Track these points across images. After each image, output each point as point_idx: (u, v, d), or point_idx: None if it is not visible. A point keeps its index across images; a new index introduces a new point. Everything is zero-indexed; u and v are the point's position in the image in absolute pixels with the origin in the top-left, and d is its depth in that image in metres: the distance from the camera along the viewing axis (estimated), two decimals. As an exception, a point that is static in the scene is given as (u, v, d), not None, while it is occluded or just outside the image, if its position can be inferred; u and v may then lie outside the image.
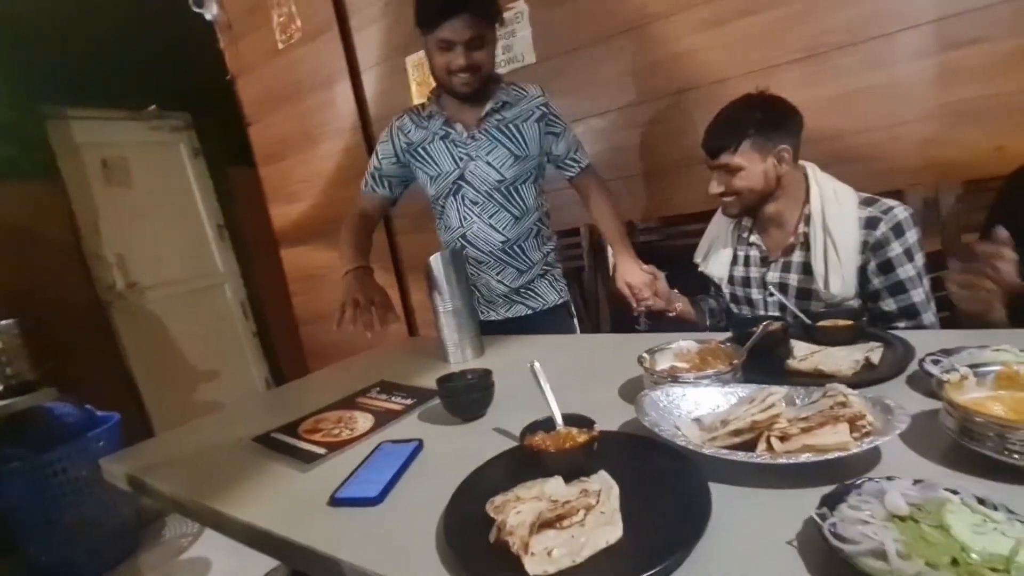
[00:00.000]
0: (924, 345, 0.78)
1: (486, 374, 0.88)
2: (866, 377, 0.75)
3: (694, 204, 1.85)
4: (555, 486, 0.57)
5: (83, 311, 2.83)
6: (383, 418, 0.93)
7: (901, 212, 1.04)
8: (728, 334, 0.96)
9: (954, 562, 0.38)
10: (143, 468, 0.89)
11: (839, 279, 1.05)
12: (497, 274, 1.41)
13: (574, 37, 1.96)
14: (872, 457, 0.56)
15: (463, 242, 1.39)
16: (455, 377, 0.91)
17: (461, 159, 1.32)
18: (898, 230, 1.04)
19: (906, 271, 1.03)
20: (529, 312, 1.44)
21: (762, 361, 0.84)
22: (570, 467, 0.60)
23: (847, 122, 1.55)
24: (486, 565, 0.49)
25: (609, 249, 1.44)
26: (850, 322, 0.87)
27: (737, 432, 0.58)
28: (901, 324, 1.06)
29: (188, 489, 0.80)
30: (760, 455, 0.55)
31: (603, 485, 0.57)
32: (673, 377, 0.77)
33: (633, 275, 1.27)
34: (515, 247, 1.39)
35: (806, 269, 1.12)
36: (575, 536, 0.50)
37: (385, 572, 0.53)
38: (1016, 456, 0.49)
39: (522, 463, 0.64)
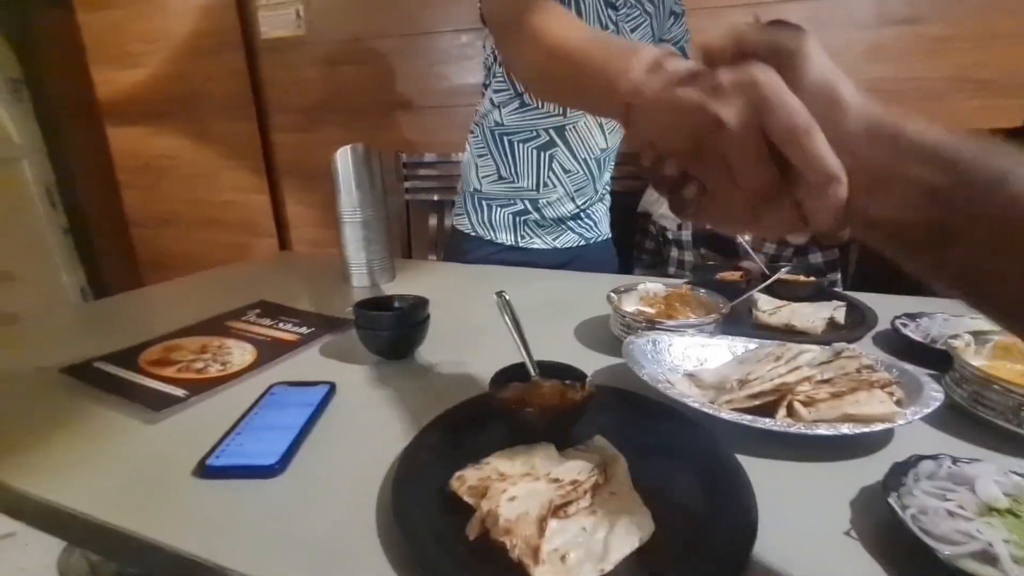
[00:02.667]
0: (881, 307, 0.77)
1: (420, 303, 0.69)
2: (835, 336, 0.71)
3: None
4: (548, 457, 0.43)
5: None
6: (270, 350, 0.70)
7: None
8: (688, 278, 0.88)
9: (1071, 566, 0.31)
10: None
11: None
12: (576, 191, 1.08)
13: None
14: (888, 429, 0.50)
15: (557, 137, 1.01)
16: (379, 303, 0.70)
17: (606, 24, 0.93)
18: None
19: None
20: (581, 244, 1.14)
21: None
22: (560, 432, 0.46)
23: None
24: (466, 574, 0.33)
25: None
26: (812, 278, 0.84)
27: (760, 394, 0.49)
28: (825, 278, 1.10)
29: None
30: (792, 424, 0.46)
31: (605, 456, 0.44)
32: (649, 322, 0.66)
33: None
34: (605, 159, 1.09)
35: None
36: (587, 529, 0.36)
37: (302, 588, 0.34)
38: (1026, 429, 0.46)
39: (487, 422, 0.49)
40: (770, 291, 0.84)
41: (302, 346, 0.72)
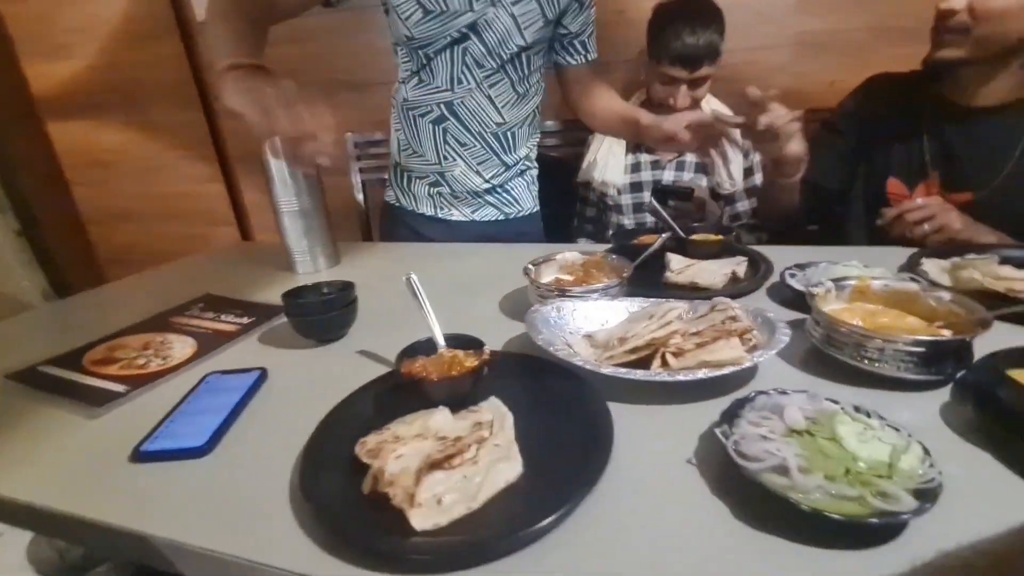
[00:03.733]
0: (776, 260, 0.84)
1: (347, 287, 0.74)
2: (734, 290, 0.78)
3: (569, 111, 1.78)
4: (441, 419, 0.49)
5: None
6: (210, 342, 0.74)
7: None
8: (609, 245, 0.94)
9: (847, 472, 0.38)
10: None
11: (737, 169, 1.14)
12: (478, 164, 1.12)
13: None
14: (750, 370, 0.57)
15: (447, 111, 1.06)
16: (307, 291, 0.74)
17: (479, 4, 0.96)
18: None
19: (759, 178, 1.17)
20: (501, 218, 1.19)
21: (641, 274, 0.83)
22: (457, 396, 0.52)
23: (715, 40, 1.57)
24: (359, 524, 0.39)
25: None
26: (720, 236, 0.90)
27: (635, 350, 0.55)
28: (749, 222, 1.22)
29: None
30: (658, 372, 0.53)
31: (496, 414, 0.50)
32: (561, 291, 0.72)
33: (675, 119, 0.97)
34: (508, 133, 1.11)
35: (699, 168, 1.18)
36: (468, 477, 0.43)
37: (217, 547, 0.40)
38: (867, 362, 0.54)
39: (396, 394, 0.54)
40: (684, 251, 0.90)
41: (241, 336, 0.76)
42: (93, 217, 2.67)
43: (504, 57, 1.02)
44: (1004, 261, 0.72)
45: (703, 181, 1.18)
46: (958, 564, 0.22)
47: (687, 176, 1.21)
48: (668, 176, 1.23)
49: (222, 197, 2.39)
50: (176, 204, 2.48)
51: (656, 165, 1.24)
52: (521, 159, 1.17)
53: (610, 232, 1.34)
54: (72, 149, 2.54)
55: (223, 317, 0.83)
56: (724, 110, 1.20)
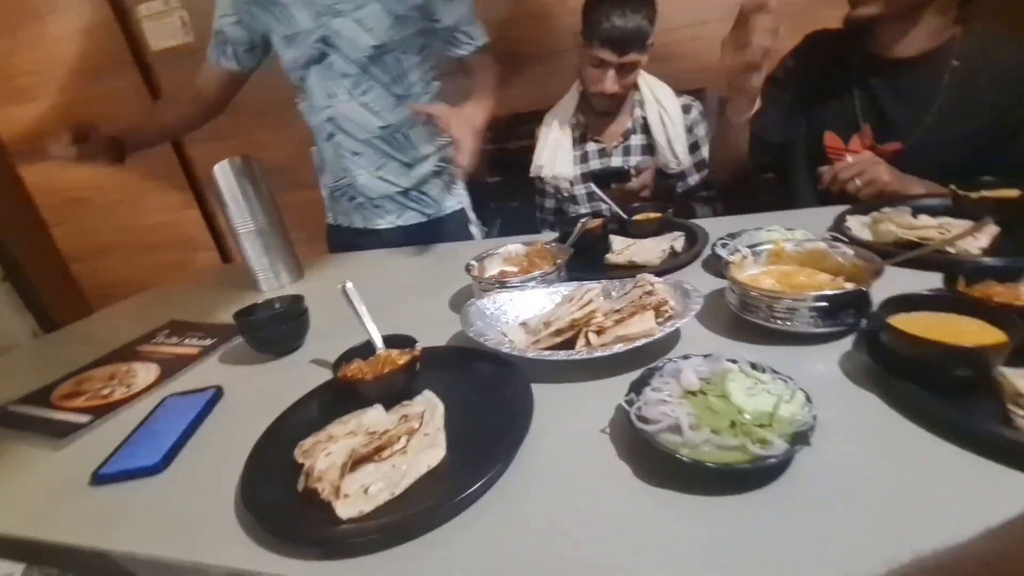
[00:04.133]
0: (715, 231, 0.87)
1: (296, 300, 0.77)
2: (670, 264, 0.81)
3: (522, 105, 1.80)
4: (374, 416, 0.52)
5: None
6: (172, 366, 0.77)
7: (699, 105, 1.23)
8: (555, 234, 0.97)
9: (732, 424, 0.42)
10: None
11: (681, 147, 1.19)
12: (377, 169, 1.15)
13: None
14: (674, 338, 0.60)
15: (332, 126, 1.13)
16: (259, 308, 0.77)
17: (322, 13, 1.02)
18: (703, 116, 1.22)
19: (706, 151, 1.19)
20: (423, 219, 1.22)
21: (585, 259, 0.86)
22: (392, 393, 0.55)
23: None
24: (292, 521, 0.42)
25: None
26: (659, 215, 0.93)
27: (558, 332, 0.58)
28: (701, 194, 1.24)
29: None
30: (578, 352, 0.56)
31: (427, 406, 0.53)
32: (500, 283, 0.75)
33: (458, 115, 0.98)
34: (398, 135, 1.13)
35: (645, 150, 1.21)
36: (396, 466, 0.46)
37: (170, 553, 0.43)
38: (779, 322, 0.57)
39: (338, 398, 0.57)
40: (626, 232, 0.93)
41: (202, 357, 0.80)
42: (74, 255, 2.69)
43: (363, 61, 1.05)
44: (920, 211, 0.76)
45: (650, 162, 1.21)
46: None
47: (634, 159, 1.24)
48: (616, 161, 1.25)
49: (198, 223, 2.42)
50: (155, 234, 2.51)
51: (603, 153, 1.27)
52: (425, 158, 1.18)
53: None
54: (46, 190, 2.56)
55: (186, 341, 0.86)
56: (666, 90, 1.23)
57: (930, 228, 0.71)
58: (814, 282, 0.61)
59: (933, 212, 0.75)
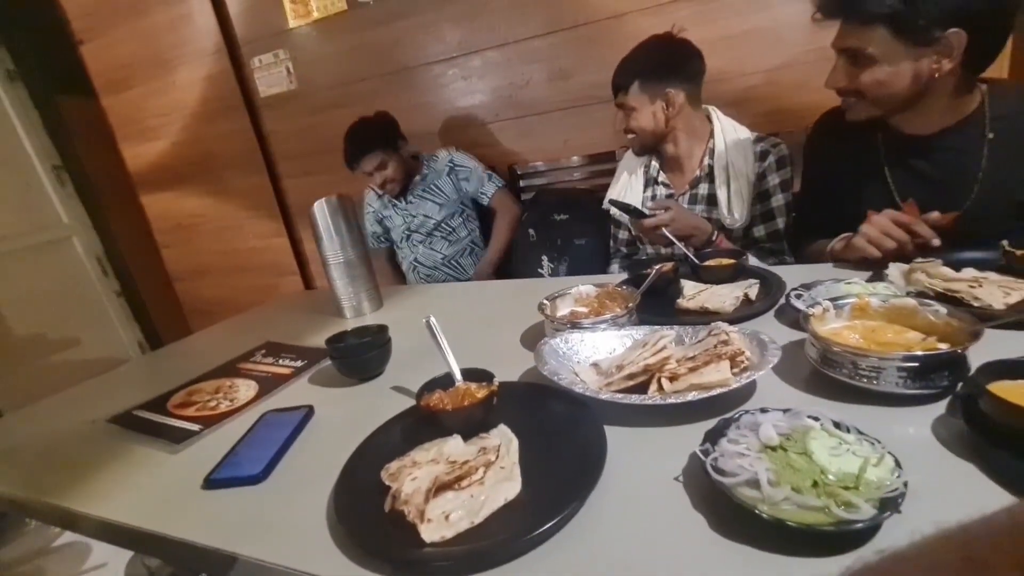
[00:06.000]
0: (790, 280, 0.85)
1: (381, 330, 0.83)
2: (744, 312, 0.80)
3: (589, 146, 1.85)
4: (453, 446, 0.55)
5: None
6: (269, 384, 0.85)
7: (784, 148, 1.19)
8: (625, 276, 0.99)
9: (815, 484, 0.41)
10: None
11: (741, 204, 1.17)
12: (443, 280, 1.87)
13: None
14: (749, 389, 0.60)
15: (417, 264, 1.89)
16: (348, 335, 0.84)
17: (406, 218, 1.85)
18: (780, 163, 1.19)
19: (777, 200, 1.18)
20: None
21: (656, 302, 0.87)
22: (469, 424, 0.58)
23: (732, 64, 1.60)
24: (381, 538, 0.46)
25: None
26: (732, 260, 0.93)
27: (631, 376, 0.60)
28: (765, 245, 1.21)
29: (26, 485, 0.68)
30: (651, 397, 0.57)
31: (503, 439, 0.56)
32: (572, 323, 0.77)
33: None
34: (453, 261, 1.87)
35: (710, 200, 1.21)
36: (474, 496, 0.49)
37: (268, 558, 0.48)
38: (864, 380, 0.55)
39: (419, 424, 0.61)
40: (698, 277, 0.93)
41: (295, 378, 0.87)
42: (178, 275, 2.99)
43: (429, 230, 1.84)
44: (966, 264, 0.76)
45: (670, 202, 1.20)
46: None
47: (698, 208, 1.23)
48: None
49: (286, 250, 2.63)
50: (247, 258, 2.75)
51: (671, 198, 1.28)
52: (468, 269, 1.89)
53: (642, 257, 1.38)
54: (160, 216, 2.89)
55: (280, 361, 0.94)
56: (741, 138, 1.22)
57: (962, 281, 0.70)
58: (903, 340, 0.59)
59: (980, 267, 0.75)
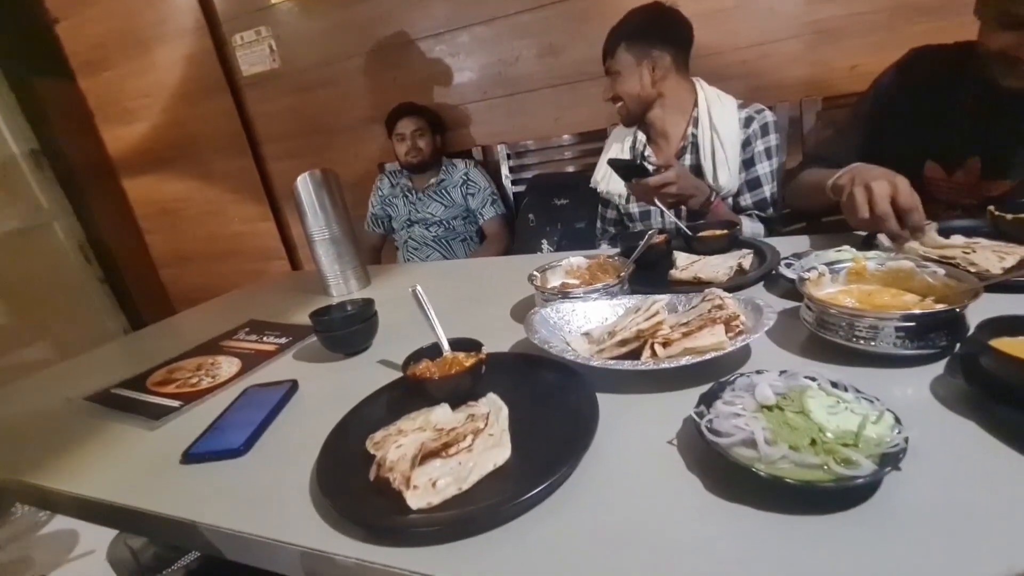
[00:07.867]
0: (783, 250, 0.84)
1: (367, 304, 0.80)
2: (738, 282, 0.79)
3: (580, 124, 1.82)
4: (441, 414, 0.53)
5: None
6: (252, 361, 0.83)
7: (769, 115, 1.19)
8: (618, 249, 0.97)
9: (813, 442, 0.40)
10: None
11: (726, 172, 1.16)
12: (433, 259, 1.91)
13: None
14: (744, 354, 0.59)
15: (410, 240, 1.94)
16: (332, 309, 0.82)
17: (411, 212, 1.92)
18: (764, 130, 1.18)
19: (763, 168, 1.18)
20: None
21: (648, 273, 0.85)
22: (457, 393, 0.56)
23: (724, 38, 1.57)
24: (365, 507, 0.44)
25: None
26: (725, 231, 0.91)
27: (624, 342, 0.58)
28: (753, 213, 1.20)
29: (0, 465, 0.65)
30: (644, 362, 0.55)
31: (492, 407, 0.54)
32: (563, 293, 0.75)
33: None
34: (445, 241, 1.93)
35: (696, 172, 1.19)
36: (462, 463, 0.47)
37: (250, 529, 0.46)
38: (861, 341, 0.54)
39: (406, 395, 0.60)
40: (691, 249, 0.91)
41: (279, 354, 0.85)
42: (163, 261, 2.94)
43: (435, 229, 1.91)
44: (954, 231, 0.76)
45: (675, 161, 1.18)
46: None
47: None
48: None
49: (273, 234, 2.58)
50: (233, 243, 2.70)
51: (656, 172, 1.26)
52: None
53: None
54: (143, 201, 2.83)
55: (264, 339, 0.92)
56: (725, 105, 1.20)
57: (955, 248, 0.69)
58: (900, 303, 0.58)
59: (968, 233, 0.75)
